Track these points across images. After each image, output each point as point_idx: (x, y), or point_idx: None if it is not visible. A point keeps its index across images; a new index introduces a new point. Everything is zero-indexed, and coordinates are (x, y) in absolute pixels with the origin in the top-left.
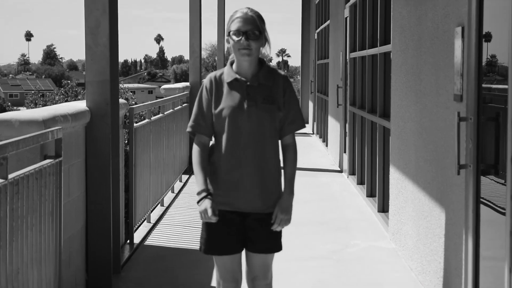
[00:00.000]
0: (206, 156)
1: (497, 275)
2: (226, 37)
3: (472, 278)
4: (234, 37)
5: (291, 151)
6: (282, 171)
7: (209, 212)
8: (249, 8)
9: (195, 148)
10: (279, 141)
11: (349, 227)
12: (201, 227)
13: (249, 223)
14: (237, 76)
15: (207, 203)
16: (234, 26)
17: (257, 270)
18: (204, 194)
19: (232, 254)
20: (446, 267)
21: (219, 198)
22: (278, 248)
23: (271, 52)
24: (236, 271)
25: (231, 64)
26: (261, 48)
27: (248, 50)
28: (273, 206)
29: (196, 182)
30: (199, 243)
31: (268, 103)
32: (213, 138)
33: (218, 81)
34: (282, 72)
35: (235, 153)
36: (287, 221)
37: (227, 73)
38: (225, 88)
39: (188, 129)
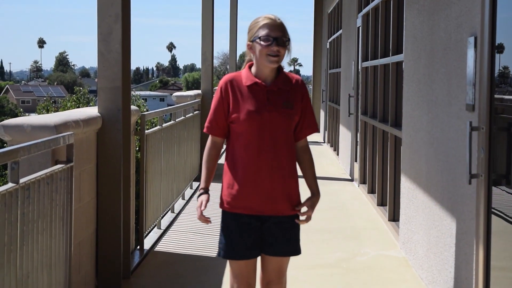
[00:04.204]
0: (216, 154)
1: (508, 286)
2: (248, 43)
3: None
4: (263, 43)
5: (308, 153)
6: (302, 173)
7: (203, 206)
8: (275, 15)
9: (207, 146)
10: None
11: (359, 235)
12: (213, 231)
13: (267, 227)
14: (257, 80)
15: (200, 201)
16: (264, 32)
17: (272, 274)
18: (202, 191)
19: (250, 258)
20: (457, 277)
21: (238, 203)
22: (297, 251)
23: (290, 59)
24: (251, 276)
25: (250, 67)
26: None
27: (277, 57)
28: (291, 208)
29: (201, 178)
30: (214, 247)
31: (288, 108)
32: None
33: (234, 84)
34: (298, 76)
35: (255, 157)
36: (310, 218)
37: (246, 77)
38: (244, 91)
39: (204, 130)
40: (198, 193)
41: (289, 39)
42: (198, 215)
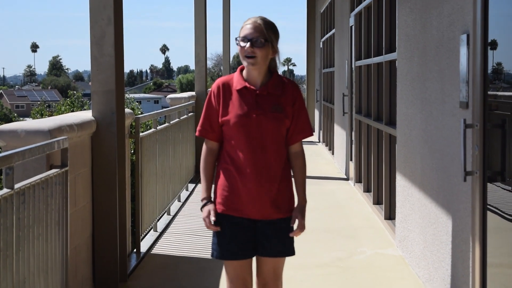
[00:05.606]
0: (212, 161)
1: (504, 282)
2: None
3: (480, 285)
4: (241, 44)
5: (300, 159)
6: (293, 177)
7: (212, 217)
8: (261, 17)
9: (203, 153)
10: (287, 149)
11: (355, 234)
12: (209, 233)
13: (260, 228)
14: (247, 84)
15: (207, 210)
16: (242, 33)
17: (268, 276)
18: (205, 201)
19: (244, 259)
20: (454, 274)
21: (229, 204)
22: (291, 252)
23: (280, 62)
24: (246, 278)
25: (241, 71)
26: (270, 57)
27: (253, 59)
28: (282, 212)
29: (201, 188)
30: (209, 249)
31: (277, 112)
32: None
33: (226, 87)
34: (292, 81)
35: (243, 160)
36: (304, 226)
37: (237, 80)
38: (234, 95)
39: (196, 133)
40: (201, 203)
41: (267, 40)
42: (206, 225)
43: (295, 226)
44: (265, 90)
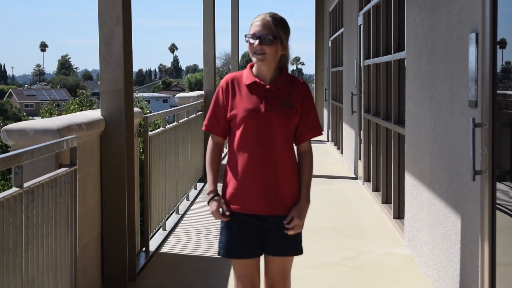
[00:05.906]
0: (218, 155)
1: None
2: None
3: (489, 285)
4: (250, 41)
5: (307, 158)
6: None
7: (224, 208)
8: (271, 13)
9: (208, 147)
10: (295, 147)
11: (364, 233)
12: (218, 232)
13: (268, 226)
14: (256, 79)
15: (216, 203)
16: (251, 30)
17: (276, 275)
18: (212, 195)
19: (251, 258)
20: (462, 274)
21: (236, 202)
22: (298, 251)
23: (289, 59)
24: (254, 277)
25: (251, 67)
26: (280, 53)
27: (261, 55)
28: (289, 209)
29: (207, 182)
30: (217, 247)
31: (286, 108)
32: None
33: (235, 83)
34: (301, 79)
35: (251, 156)
36: (301, 227)
37: (246, 76)
38: (243, 90)
39: (203, 128)
40: (208, 197)
41: (276, 37)
42: (218, 217)
43: (291, 224)
44: (275, 86)
